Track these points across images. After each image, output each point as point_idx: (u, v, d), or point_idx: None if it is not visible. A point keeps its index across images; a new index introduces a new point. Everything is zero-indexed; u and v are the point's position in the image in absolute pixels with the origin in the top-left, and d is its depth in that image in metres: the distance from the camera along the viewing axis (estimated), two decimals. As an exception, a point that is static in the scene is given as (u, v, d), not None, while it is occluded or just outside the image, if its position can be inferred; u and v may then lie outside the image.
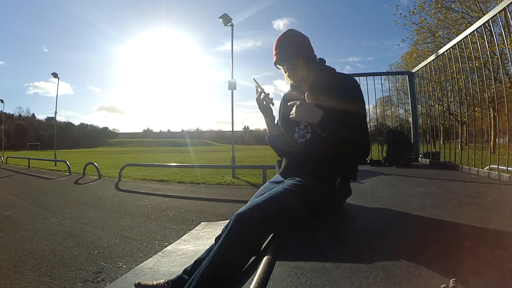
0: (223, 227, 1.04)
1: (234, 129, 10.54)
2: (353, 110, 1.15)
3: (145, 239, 2.90)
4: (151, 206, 4.47)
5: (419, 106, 3.59)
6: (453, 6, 11.32)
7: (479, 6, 10.61)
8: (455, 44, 2.55)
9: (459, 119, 6.31)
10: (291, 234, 1.03)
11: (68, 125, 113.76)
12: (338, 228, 1.10)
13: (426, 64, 3.24)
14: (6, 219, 3.73)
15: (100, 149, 74.92)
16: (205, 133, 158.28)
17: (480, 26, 2.10)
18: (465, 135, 4.97)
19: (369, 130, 1.38)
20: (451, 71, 2.93)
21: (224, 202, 4.88)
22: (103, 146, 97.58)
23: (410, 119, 3.76)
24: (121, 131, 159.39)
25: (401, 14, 12.05)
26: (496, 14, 1.89)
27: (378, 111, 5.18)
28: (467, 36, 2.30)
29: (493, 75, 6.54)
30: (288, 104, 1.19)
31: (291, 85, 1.33)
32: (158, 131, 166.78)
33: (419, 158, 3.34)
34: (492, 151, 3.49)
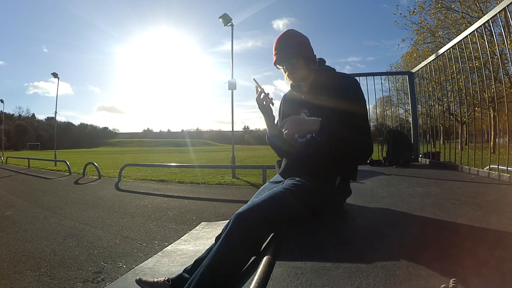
0: (223, 227, 1.04)
1: (234, 129, 10.55)
2: (353, 110, 1.15)
3: (145, 239, 2.90)
4: (151, 206, 4.47)
5: (419, 106, 3.59)
6: (453, 6, 11.34)
7: (479, 6, 10.61)
8: (455, 44, 2.55)
9: (459, 119, 6.32)
10: (291, 234, 1.03)
11: (68, 125, 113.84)
12: (338, 228, 1.10)
13: (426, 64, 3.24)
14: (6, 219, 3.73)
15: (100, 149, 74.91)
16: (205, 133, 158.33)
17: (480, 26, 2.10)
18: (465, 135, 4.97)
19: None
20: (451, 71, 2.93)
21: (224, 202, 4.88)
22: (103, 146, 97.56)
23: (410, 119, 3.77)
24: (121, 131, 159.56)
25: (401, 14, 12.05)
26: (496, 14, 1.89)
27: (378, 111, 5.17)
28: (467, 36, 2.30)
29: (493, 75, 6.54)
30: (279, 126, 1.19)
31: (291, 85, 1.33)
32: (158, 131, 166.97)
33: (419, 158, 3.34)
34: (492, 151, 3.49)
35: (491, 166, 2.47)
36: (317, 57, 1.29)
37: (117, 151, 46.55)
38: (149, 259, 2.22)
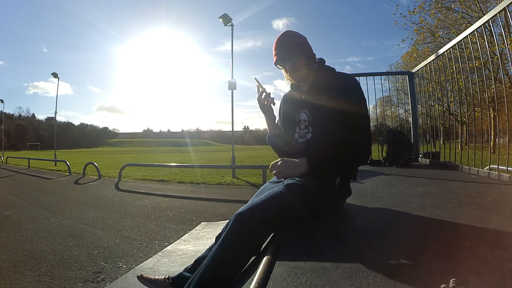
0: (223, 227, 1.04)
1: (234, 129, 10.54)
2: (353, 110, 1.15)
3: (145, 239, 2.90)
4: (151, 206, 4.47)
5: (419, 106, 3.59)
6: (453, 6, 11.34)
7: (479, 6, 10.61)
8: (455, 44, 2.54)
9: (459, 119, 6.31)
10: (291, 234, 1.03)
11: (68, 125, 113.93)
12: (338, 228, 1.10)
13: (426, 64, 3.24)
14: (6, 219, 3.73)
15: (100, 149, 74.91)
16: (205, 133, 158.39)
17: (480, 26, 2.10)
18: (465, 135, 4.97)
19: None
20: (451, 71, 2.93)
21: (224, 202, 4.88)
22: (103, 146, 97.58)
23: (410, 119, 3.76)
24: (121, 131, 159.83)
25: (401, 14, 12.05)
26: (496, 14, 1.89)
27: (378, 111, 5.17)
28: (467, 36, 2.30)
29: (493, 75, 6.52)
30: (269, 168, 1.23)
31: (291, 85, 1.33)
32: (158, 131, 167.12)
33: (419, 158, 3.34)
34: (492, 151, 3.49)
35: (491, 166, 2.47)
36: (317, 57, 1.29)
37: (117, 151, 46.56)
38: (149, 259, 2.22)
